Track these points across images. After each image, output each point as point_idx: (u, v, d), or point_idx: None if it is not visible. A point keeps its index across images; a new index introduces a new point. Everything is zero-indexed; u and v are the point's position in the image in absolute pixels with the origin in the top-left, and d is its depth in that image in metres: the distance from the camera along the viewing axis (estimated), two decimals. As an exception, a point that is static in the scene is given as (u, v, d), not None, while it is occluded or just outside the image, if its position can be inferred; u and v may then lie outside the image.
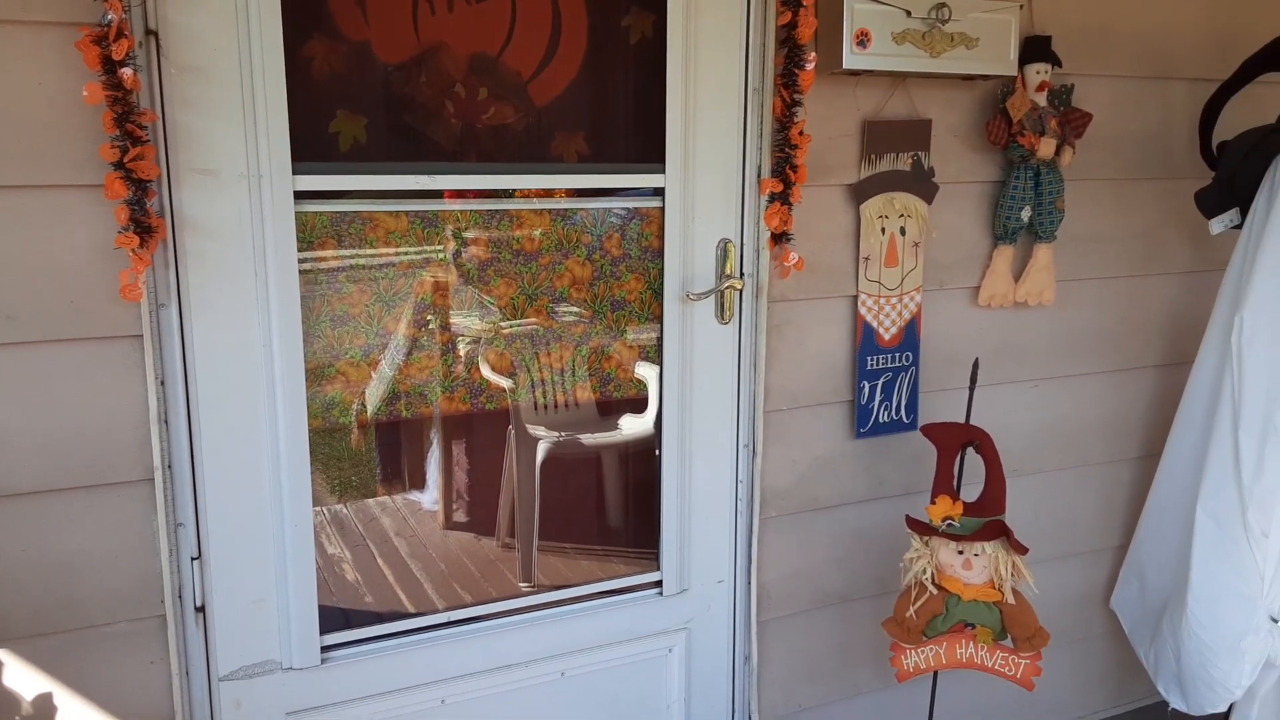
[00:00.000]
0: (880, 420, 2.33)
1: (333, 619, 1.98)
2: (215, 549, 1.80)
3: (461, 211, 2.04)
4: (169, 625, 1.75)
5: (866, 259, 2.26)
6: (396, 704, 2.00)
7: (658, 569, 2.22)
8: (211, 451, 1.76)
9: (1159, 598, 2.54)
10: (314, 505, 1.88)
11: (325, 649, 1.93)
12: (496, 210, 2.06)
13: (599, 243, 2.17)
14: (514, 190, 2.05)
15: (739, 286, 2.13)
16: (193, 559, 1.78)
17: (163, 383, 1.71)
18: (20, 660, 1.66)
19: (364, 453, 2.76)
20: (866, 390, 2.31)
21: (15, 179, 1.56)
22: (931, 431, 2.20)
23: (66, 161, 1.58)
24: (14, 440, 1.62)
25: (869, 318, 2.29)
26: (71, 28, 1.54)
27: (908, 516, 2.17)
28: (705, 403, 2.17)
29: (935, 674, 2.30)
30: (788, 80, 2.04)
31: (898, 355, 2.34)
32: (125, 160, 1.58)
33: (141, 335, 1.67)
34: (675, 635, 2.25)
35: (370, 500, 2.77)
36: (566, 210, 2.13)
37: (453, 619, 2.07)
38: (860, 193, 2.22)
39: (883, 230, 2.27)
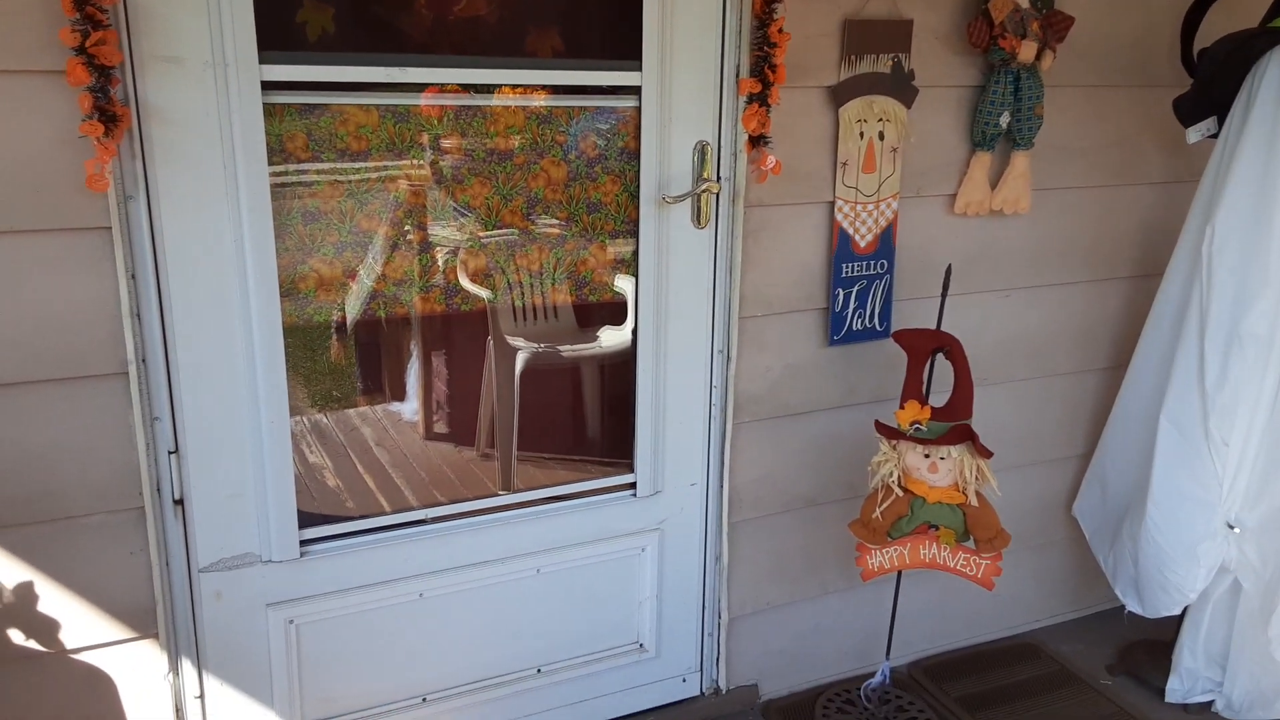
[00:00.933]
0: (854, 328, 2.35)
1: (313, 522, 2.00)
2: (192, 443, 1.80)
3: (434, 108, 2.00)
4: (148, 517, 1.77)
5: (844, 164, 2.24)
6: (375, 597, 2.04)
7: (632, 472, 2.25)
8: (185, 346, 1.76)
9: (1120, 504, 2.61)
10: (294, 416, 1.89)
11: (304, 543, 1.96)
12: (470, 107, 2.03)
13: (575, 143, 2.14)
14: (492, 88, 2.01)
15: (716, 190, 2.12)
16: (170, 453, 1.79)
17: (133, 276, 1.69)
18: (1, 549, 1.67)
19: (343, 364, 2.76)
20: (841, 297, 2.31)
21: (-32, 63, 1.52)
22: (902, 337, 2.22)
23: (25, 46, 1.54)
24: (-18, 331, 1.60)
25: (845, 224, 2.28)
26: (25, -97, 1.48)
27: (877, 421, 2.20)
28: (680, 308, 2.18)
29: (899, 574, 2.36)
30: (768, -25, 2.00)
31: (873, 263, 2.34)
32: (86, 45, 1.53)
33: (110, 227, 1.65)
34: (648, 535, 2.29)
35: (351, 410, 2.80)
36: (541, 109, 2.10)
37: (430, 516, 2.10)
38: (839, 95, 2.20)
39: (861, 135, 2.25)
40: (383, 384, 2.93)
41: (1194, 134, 2.37)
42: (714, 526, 2.35)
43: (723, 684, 2.46)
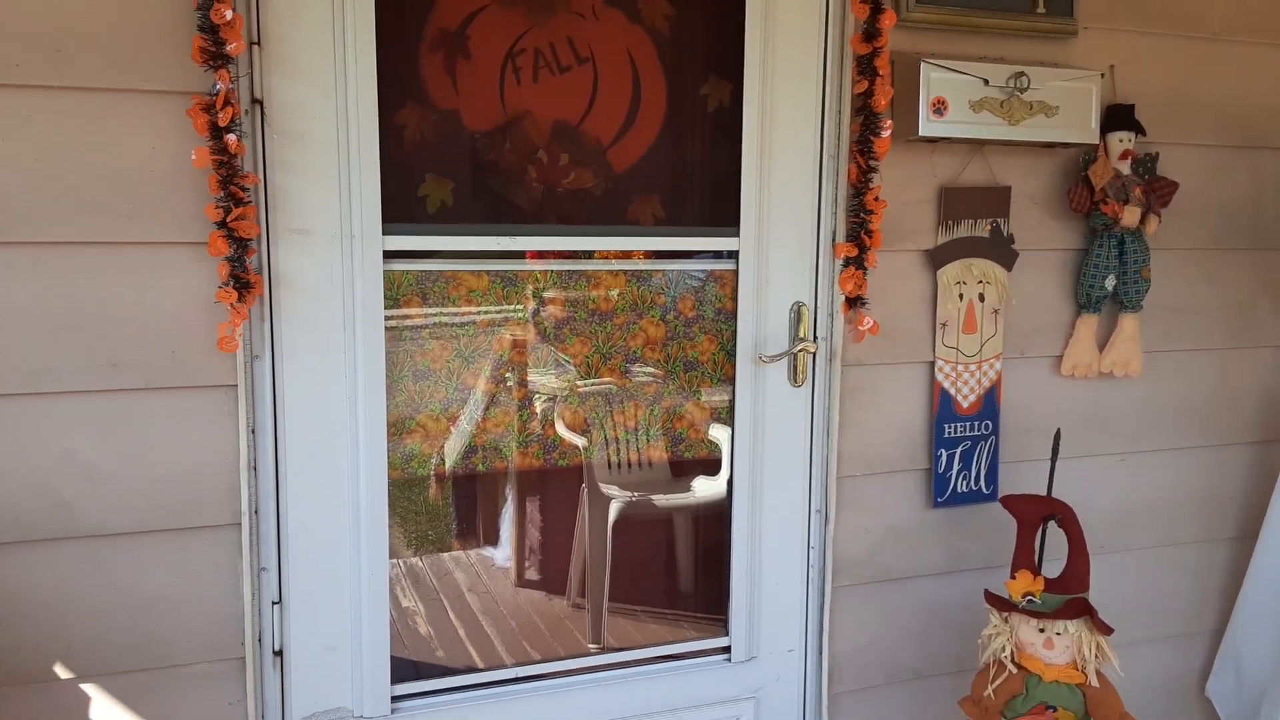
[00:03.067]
0: (958, 490, 2.28)
1: (403, 670, 2.00)
2: (295, 594, 1.84)
3: (541, 272, 2.10)
4: (248, 668, 1.79)
5: (944, 325, 2.24)
6: (465, 765, 2.01)
7: (726, 634, 2.19)
8: (296, 499, 1.82)
9: (1258, 685, 2.41)
10: (390, 558, 1.92)
11: (395, 699, 1.95)
12: (574, 271, 2.12)
13: (673, 304, 2.20)
14: (592, 252, 2.10)
15: (812, 350, 2.13)
16: (273, 603, 1.83)
17: (253, 431, 1.78)
18: (107, 695, 1.71)
19: (440, 507, 2.80)
20: (944, 458, 2.26)
21: (128, 235, 1.67)
22: (1012, 503, 2.15)
23: (174, 220, 1.69)
24: (112, 483, 1.70)
25: (946, 384, 2.26)
26: (184, 96, 1.65)
27: (986, 591, 2.11)
28: (777, 466, 2.16)
29: (1017, 757, 2.20)
30: (863, 147, 2.06)
31: (977, 423, 2.29)
32: (228, 220, 1.67)
33: (236, 385, 1.75)
34: (743, 704, 2.20)
35: (445, 555, 2.81)
36: (642, 271, 2.17)
37: (520, 675, 2.07)
38: (937, 258, 2.22)
39: (960, 296, 2.25)
40: (477, 529, 2.95)
41: (1314, 296, 2.29)
42: (814, 697, 2.25)
43: None
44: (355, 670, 1.90)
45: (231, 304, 1.69)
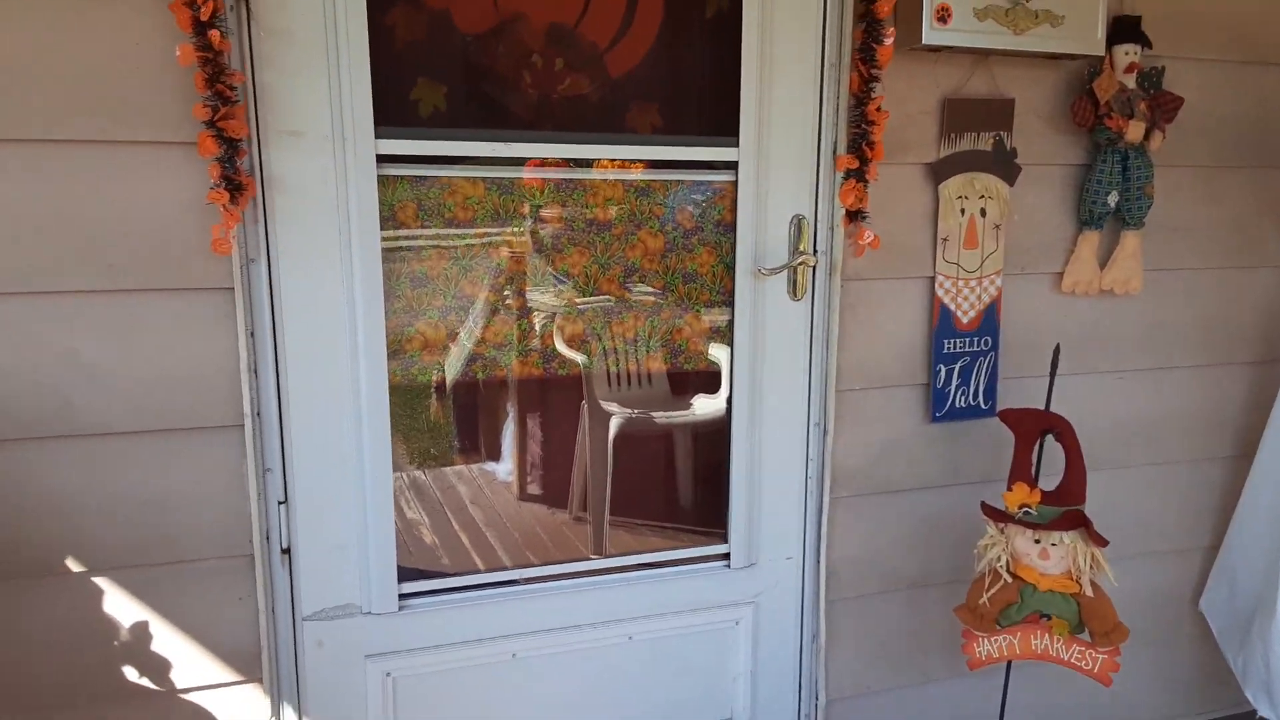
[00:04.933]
0: (957, 405, 2.29)
1: (410, 575, 2.03)
2: (300, 494, 1.86)
3: (537, 180, 2.08)
4: (256, 565, 1.82)
5: (945, 240, 2.22)
6: (469, 654, 2.05)
7: (726, 542, 2.21)
8: (298, 401, 1.83)
9: (1249, 601, 2.43)
10: (394, 472, 1.94)
11: (403, 597, 1.99)
12: (571, 180, 2.10)
13: (672, 215, 2.19)
14: (591, 161, 2.08)
15: (812, 263, 2.12)
16: (280, 503, 1.85)
17: (252, 334, 1.78)
18: (118, 588, 1.74)
19: (441, 423, 2.82)
20: (943, 374, 2.26)
21: (116, 134, 1.65)
22: (1009, 417, 2.15)
23: (163, 119, 1.67)
24: (112, 381, 1.70)
25: (946, 300, 2.25)
26: (169, -9, 1.62)
27: (983, 503, 2.12)
28: (776, 378, 2.17)
29: (1008, 665, 2.23)
30: (866, 55, 2.03)
31: (976, 339, 2.29)
32: (215, 119, 1.66)
33: (233, 288, 1.75)
34: (742, 608, 2.24)
35: (447, 469, 2.84)
36: (640, 182, 2.15)
37: (526, 576, 2.12)
38: (939, 172, 2.20)
39: (962, 211, 2.23)
40: (479, 444, 2.98)
41: (1319, 211, 2.27)
42: (811, 603, 2.28)
43: None
44: (363, 568, 1.93)
45: (224, 205, 1.68)
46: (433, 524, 2.53)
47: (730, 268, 2.13)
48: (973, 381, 2.29)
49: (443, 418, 2.76)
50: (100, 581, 1.73)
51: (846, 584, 2.28)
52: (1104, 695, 2.31)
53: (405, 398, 2.18)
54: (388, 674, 1.99)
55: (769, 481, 2.20)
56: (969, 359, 2.29)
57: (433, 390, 2.30)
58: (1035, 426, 2.14)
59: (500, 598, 2.07)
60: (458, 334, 2.15)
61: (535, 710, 2.14)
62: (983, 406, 2.30)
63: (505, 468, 2.86)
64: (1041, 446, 2.15)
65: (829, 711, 2.33)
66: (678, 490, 2.82)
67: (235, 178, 1.69)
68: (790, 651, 2.30)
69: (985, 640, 2.12)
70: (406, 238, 2.00)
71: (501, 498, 2.78)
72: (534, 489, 2.82)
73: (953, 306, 2.26)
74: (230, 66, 1.67)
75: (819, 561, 2.25)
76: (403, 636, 1.99)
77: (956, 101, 2.18)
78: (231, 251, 1.72)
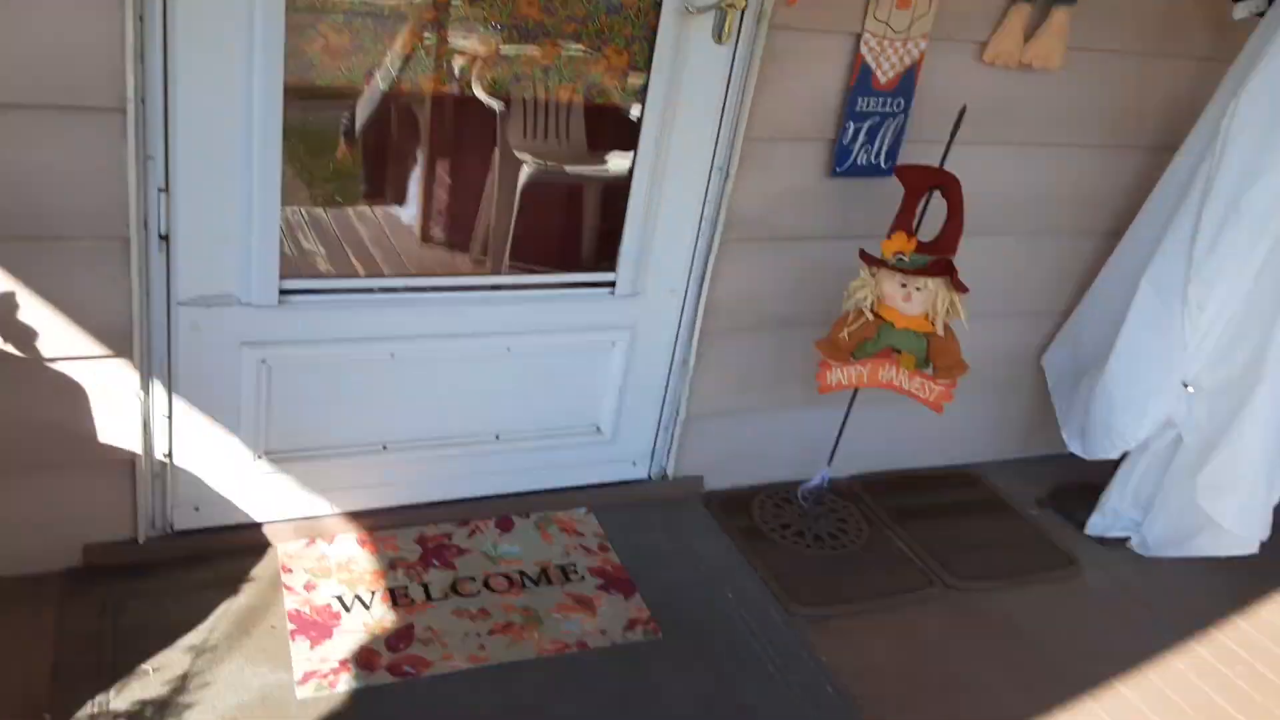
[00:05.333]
0: (859, 162, 2.38)
1: (297, 275, 2.08)
2: (182, 183, 1.85)
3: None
4: (132, 248, 1.84)
5: (877, -4, 2.20)
6: (348, 351, 2.16)
7: (614, 270, 2.35)
8: (185, 89, 1.78)
9: (1088, 361, 2.73)
10: (293, 206, 1.88)
11: (284, 293, 2.04)
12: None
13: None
14: None
15: (741, 5, 2.09)
16: (160, 190, 1.85)
17: (141, 18, 1.70)
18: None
19: (349, 166, 2.74)
20: (851, 131, 2.34)
21: None
22: (903, 171, 2.26)
23: None
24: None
25: (869, 58, 2.27)
26: None
27: (861, 250, 2.27)
28: (688, 121, 2.21)
29: (855, 393, 2.49)
30: None
31: (890, 100, 2.34)
32: None
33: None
34: (620, 332, 2.42)
35: (349, 209, 2.79)
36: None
37: (409, 285, 2.20)
38: (884, -77, 2.12)
39: (899, -33, 2.18)
40: (384, 187, 2.90)
41: (1240, 9, 2.30)
42: (686, 333, 2.48)
43: (670, 472, 2.65)
44: (244, 260, 1.96)
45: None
46: (330, 256, 2.52)
47: (657, 4, 2.09)
48: (878, 141, 2.38)
49: (351, 159, 2.68)
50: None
51: (723, 319, 2.48)
52: (938, 428, 2.61)
53: (311, 141, 2.12)
54: (263, 361, 2.07)
55: (665, 218, 2.31)
56: (879, 119, 2.35)
57: (341, 133, 2.25)
58: (925, 181, 2.25)
59: (383, 303, 2.16)
60: (372, 75, 2.08)
61: (409, 406, 2.28)
62: (883, 166, 2.40)
63: (410, 211, 2.81)
64: (928, 202, 2.28)
65: (687, 425, 2.60)
66: (579, 243, 2.83)
67: None
68: (659, 373, 2.52)
69: (838, 369, 2.33)
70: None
71: (404, 240, 2.75)
72: (437, 233, 2.80)
73: (874, 65, 2.28)
74: None
75: (700, 297, 2.42)
76: (281, 328, 2.05)
77: None
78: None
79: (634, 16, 2.18)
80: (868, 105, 2.32)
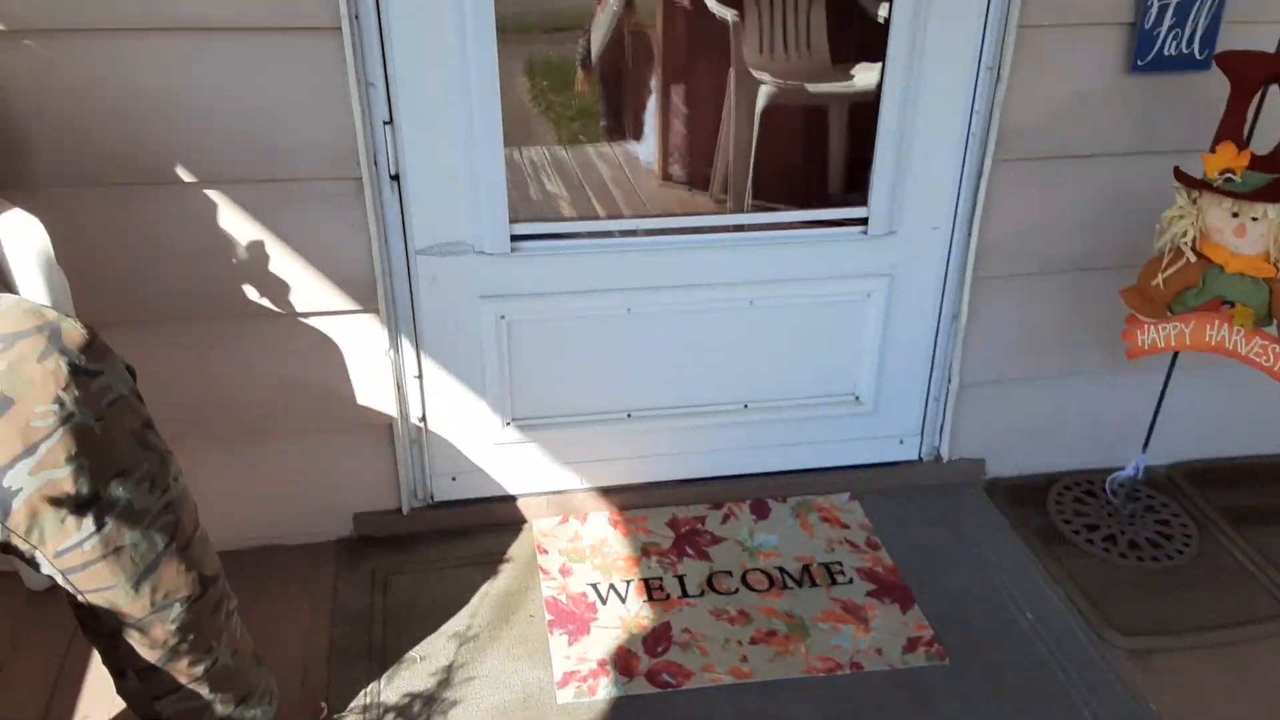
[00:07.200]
0: (1166, 52, 1.93)
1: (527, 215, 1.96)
2: (405, 115, 1.77)
3: None
4: (365, 189, 1.78)
5: None
6: (583, 305, 2.02)
7: (864, 205, 2.03)
8: (397, 8, 1.69)
9: None
10: (536, 146, 1.79)
11: (516, 239, 1.93)
12: None
13: None
14: None
15: None
16: (385, 123, 1.77)
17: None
18: (232, 204, 1.74)
19: (588, 98, 2.67)
20: (1154, 10, 1.89)
21: None
22: (1228, 60, 1.80)
23: None
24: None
25: (1174, -86, 1.83)
26: None
27: (1177, 168, 1.84)
28: (946, 8, 1.86)
29: (1173, 359, 2.04)
30: None
31: (1204, -32, 1.89)
32: None
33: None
34: (876, 280, 2.10)
35: (590, 149, 2.74)
36: None
37: (644, 228, 2.03)
38: None
39: None
40: (622, 122, 2.85)
41: None
42: (955, 280, 2.11)
43: (945, 453, 2.30)
44: (474, 202, 1.87)
45: None
46: (573, 200, 2.44)
47: None
48: (1190, 22, 1.91)
49: (589, 90, 2.61)
50: (213, 194, 1.73)
51: (998, 261, 2.08)
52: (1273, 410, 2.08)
53: (554, 74, 2.00)
54: (502, 317, 1.99)
55: (922, 137, 1.96)
56: (1190, -7, 1.89)
57: (578, 63, 2.13)
58: (1259, 72, 1.79)
59: (613, 248, 2.00)
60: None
61: (650, 369, 2.12)
62: (1197, 56, 1.94)
63: (647, 148, 2.72)
64: (1263, 100, 1.81)
65: (961, 396, 2.23)
66: (826, 171, 2.63)
67: None
68: (925, 330, 2.17)
69: (1151, 328, 1.93)
70: None
71: (643, 180, 2.65)
72: (676, 170, 2.68)
73: (1181, -77, 1.84)
74: None
75: (970, 234, 2.05)
76: (516, 279, 1.96)
77: None
78: None
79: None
80: (1174, -23, 1.87)
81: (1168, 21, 1.90)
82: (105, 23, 1.58)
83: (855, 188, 2.07)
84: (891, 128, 1.94)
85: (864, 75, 2.17)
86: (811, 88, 2.53)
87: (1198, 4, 1.89)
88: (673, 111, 2.68)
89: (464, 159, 1.83)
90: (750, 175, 2.40)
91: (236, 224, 1.76)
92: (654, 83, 2.64)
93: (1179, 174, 1.83)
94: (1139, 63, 1.93)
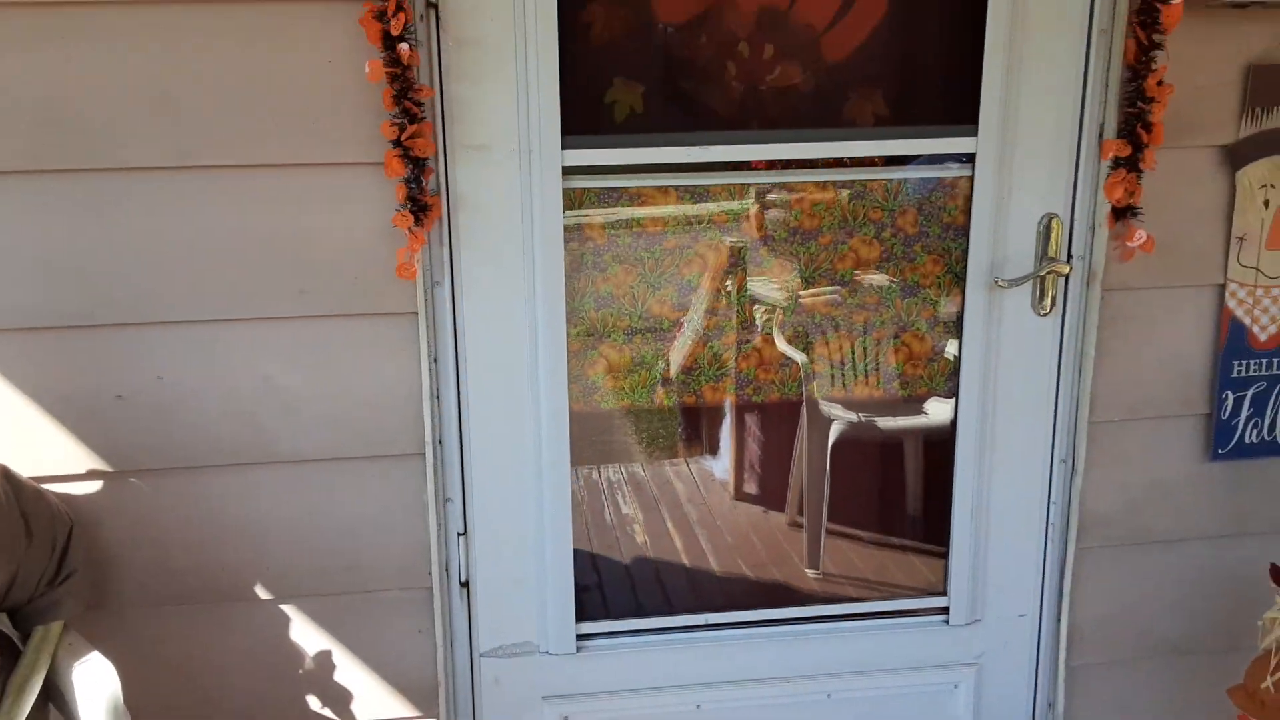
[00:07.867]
0: (1246, 440, 1.89)
1: (590, 611, 1.93)
2: (479, 526, 1.80)
3: (736, 186, 1.88)
4: (435, 597, 1.78)
5: (1241, 239, 1.82)
6: (651, 703, 1.93)
7: (944, 594, 1.96)
8: (478, 429, 1.76)
9: None
10: (614, 464, 1.79)
11: (581, 637, 1.89)
12: (774, 183, 1.88)
13: (891, 219, 1.92)
14: (812, 160, 1.85)
15: (1065, 271, 1.80)
16: (459, 534, 1.80)
17: (435, 360, 1.72)
18: (304, 617, 1.76)
19: (664, 423, 2.70)
20: (1230, 402, 1.87)
21: (307, 157, 1.61)
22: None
23: (352, 139, 1.60)
24: (303, 408, 1.69)
25: (1239, 313, 1.85)
26: (357, 3, 1.54)
27: (1273, 565, 1.74)
28: (1013, 407, 1.87)
29: (1301, 764, 1.84)
30: (1146, 16, 1.66)
31: (1277, 360, 1.87)
32: (403, 138, 1.57)
33: (416, 312, 1.68)
34: (963, 670, 1.98)
35: (665, 463, 2.74)
36: (856, 182, 1.90)
37: (710, 622, 1.96)
38: (1237, 156, 1.78)
39: (1266, 203, 1.81)
40: (700, 441, 2.87)
41: None
42: (1048, 668, 1.98)
43: None
44: (540, 605, 1.85)
45: (408, 228, 1.60)
46: (646, 521, 2.42)
47: (959, 278, 1.83)
48: (1269, 412, 1.88)
49: (666, 412, 2.64)
50: (287, 609, 1.75)
51: (1092, 647, 1.96)
52: None
53: (631, 392, 2.07)
54: (565, 718, 1.91)
55: (999, 526, 1.92)
56: (1266, 384, 1.88)
57: (658, 383, 2.19)
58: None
59: (685, 644, 1.93)
60: (681, 323, 2.00)
61: None
62: (1281, 443, 1.89)
63: (722, 465, 2.72)
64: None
65: None
66: (902, 502, 2.57)
67: (421, 198, 1.60)
68: None
69: None
70: (593, 253, 1.87)
71: (717, 497, 2.64)
72: (750, 489, 2.66)
73: (1248, 321, 1.85)
74: (418, 81, 1.57)
75: (1059, 619, 1.94)
76: (581, 679, 1.90)
77: (1266, 68, 1.75)
78: (416, 276, 1.65)
79: (934, 295, 1.93)
80: (1247, 369, 1.87)
81: (1245, 411, 1.88)
82: (207, 460, 1.67)
83: (929, 522, 2.03)
84: (965, 520, 1.90)
85: (935, 408, 2.18)
86: (882, 423, 2.52)
87: (1274, 397, 1.87)
88: (747, 432, 2.69)
89: (534, 563, 1.83)
90: (825, 507, 2.38)
91: (305, 634, 1.76)
92: (728, 404, 2.67)
93: (1275, 571, 1.74)
94: (1219, 451, 1.89)
